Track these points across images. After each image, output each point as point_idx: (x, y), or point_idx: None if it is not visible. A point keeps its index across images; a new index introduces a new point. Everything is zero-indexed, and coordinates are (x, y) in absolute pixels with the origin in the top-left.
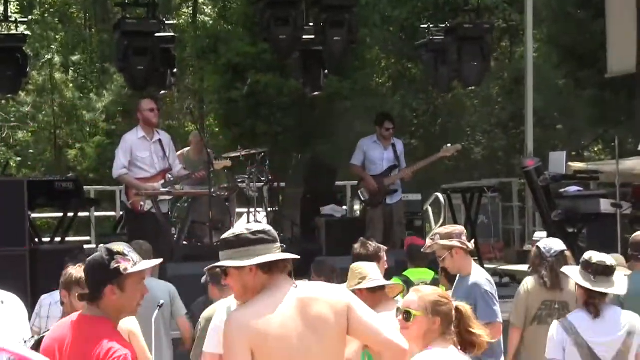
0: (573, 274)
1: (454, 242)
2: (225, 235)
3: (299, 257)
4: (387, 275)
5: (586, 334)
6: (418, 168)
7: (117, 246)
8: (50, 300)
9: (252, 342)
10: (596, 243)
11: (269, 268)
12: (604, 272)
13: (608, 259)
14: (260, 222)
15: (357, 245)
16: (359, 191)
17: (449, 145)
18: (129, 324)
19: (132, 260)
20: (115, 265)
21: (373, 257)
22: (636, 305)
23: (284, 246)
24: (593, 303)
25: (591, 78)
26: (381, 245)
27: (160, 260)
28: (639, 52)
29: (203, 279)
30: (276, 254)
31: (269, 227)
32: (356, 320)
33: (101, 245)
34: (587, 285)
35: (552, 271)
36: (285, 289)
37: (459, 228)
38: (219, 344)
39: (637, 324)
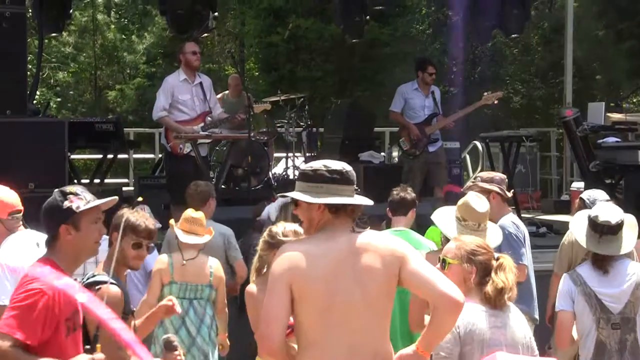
0: (579, 234)
1: (493, 187)
2: (303, 168)
3: (371, 202)
4: (427, 223)
5: (594, 284)
6: (459, 116)
7: (71, 187)
8: None
9: (292, 279)
10: (633, 194)
11: (336, 209)
12: (610, 231)
13: (614, 216)
14: (341, 162)
15: (397, 190)
16: (400, 141)
17: (489, 92)
18: (220, 272)
19: (85, 199)
20: (68, 205)
21: (411, 204)
22: None
23: (358, 189)
24: (601, 264)
25: (631, 29)
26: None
27: (116, 198)
28: None
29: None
30: (345, 197)
31: (347, 168)
32: (409, 272)
33: (55, 189)
34: (594, 248)
35: None
36: (343, 233)
37: (501, 175)
38: None
39: None
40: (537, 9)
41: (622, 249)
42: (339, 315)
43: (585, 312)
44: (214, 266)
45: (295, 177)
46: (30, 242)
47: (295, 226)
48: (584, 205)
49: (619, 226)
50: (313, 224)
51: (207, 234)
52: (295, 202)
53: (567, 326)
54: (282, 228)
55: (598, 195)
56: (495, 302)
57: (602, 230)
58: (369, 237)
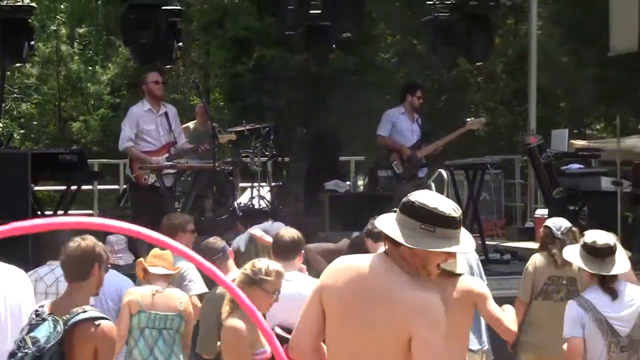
0: (577, 260)
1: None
2: None
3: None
4: None
5: (603, 309)
6: (446, 141)
7: None
8: (35, 277)
9: (322, 291)
10: (596, 220)
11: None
12: (610, 252)
13: (610, 238)
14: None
15: (374, 219)
16: (393, 164)
17: (472, 118)
18: (189, 306)
19: None
20: None
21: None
22: None
23: (432, 229)
24: (610, 286)
25: (594, 56)
26: None
27: None
28: None
29: None
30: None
31: (415, 200)
32: (414, 344)
33: None
34: (600, 271)
35: (563, 248)
36: (375, 259)
37: None
38: None
39: None
40: (501, 36)
41: (622, 268)
42: (346, 347)
43: (597, 338)
44: (184, 298)
45: (261, 207)
46: None
47: (279, 266)
48: (551, 233)
49: (615, 247)
50: None
51: (173, 269)
52: None
53: (580, 353)
54: (265, 265)
55: (562, 222)
56: None
57: (603, 254)
58: (395, 283)
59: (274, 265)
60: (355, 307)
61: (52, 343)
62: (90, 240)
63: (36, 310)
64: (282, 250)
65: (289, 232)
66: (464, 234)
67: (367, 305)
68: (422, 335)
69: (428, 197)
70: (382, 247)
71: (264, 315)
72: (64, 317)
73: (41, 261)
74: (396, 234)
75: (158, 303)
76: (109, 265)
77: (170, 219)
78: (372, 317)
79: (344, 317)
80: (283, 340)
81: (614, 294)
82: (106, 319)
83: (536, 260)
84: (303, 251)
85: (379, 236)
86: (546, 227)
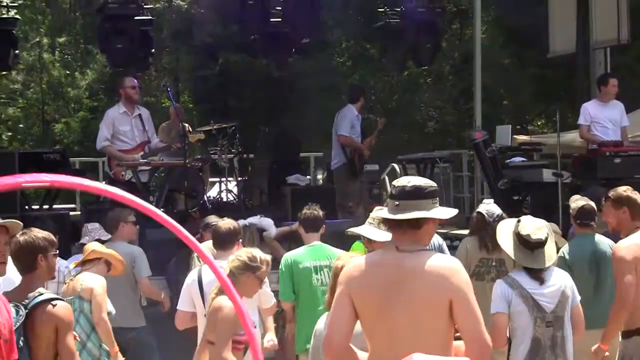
0: (508, 249)
1: None
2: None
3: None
4: (351, 240)
5: (529, 287)
6: (374, 138)
7: None
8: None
9: (350, 290)
10: (539, 209)
11: (388, 225)
12: (540, 246)
13: (541, 232)
14: (417, 177)
15: (308, 209)
16: (355, 162)
17: (382, 119)
18: (90, 284)
19: None
20: None
21: (323, 221)
22: (582, 268)
23: (434, 203)
24: (538, 275)
25: (534, 58)
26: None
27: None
28: (578, 33)
29: None
30: (392, 213)
31: (419, 184)
32: (457, 309)
33: None
34: (528, 264)
35: (494, 233)
36: (391, 249)
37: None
38: (189, 302)
39: (567, 279)
40: (447, 40)
41: (550, 259)
42: (384, 333)
43: (523, 313)
44: (86, 279)
45: (228, 200)
46: None
47: (269, 257)
48: (483, 219)
49: (546, 241)
50: None
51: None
52: None
53: (503, 327)
54: (259, 254)
55: (494, 209)
56: None
57: (535, 247)
58: (423, 260)
59: (265, 255)
60: (390, 293)
61: (17, 326)
62: (29, 235)
63: None
64: (221, 240)
65: (227, 223)
66: None
67: (401, 286)
68: (460, 295)
69: (421, 180)
70: (313, 235)
71: None
72: (24, 302)
73: None
74: (428, 214)
75: (68, 289)
76: (56, 252)
77: (114, 211)
78: (410, 295)
79: (382, 305)
80: None
81: (540, 280)
82: (61, 299)
83: (467, 244)
84: (240, 240)
85: (310, 226)
86: (479, 213)
